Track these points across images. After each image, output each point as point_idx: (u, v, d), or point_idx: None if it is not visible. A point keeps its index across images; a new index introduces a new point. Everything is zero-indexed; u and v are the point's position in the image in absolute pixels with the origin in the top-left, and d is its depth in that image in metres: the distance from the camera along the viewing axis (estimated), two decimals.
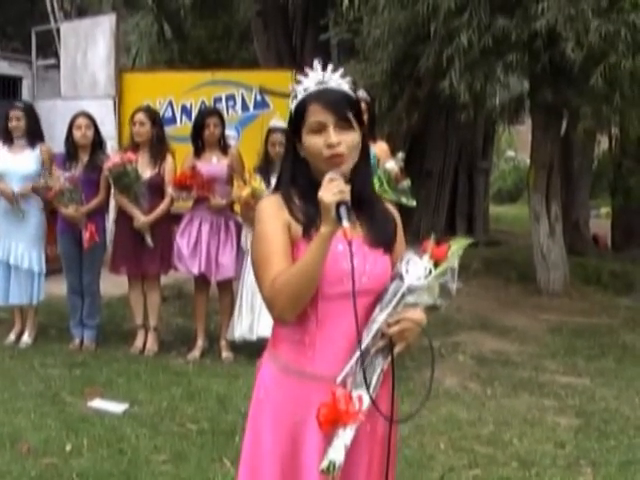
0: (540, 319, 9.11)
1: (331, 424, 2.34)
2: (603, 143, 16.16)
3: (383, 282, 2.46)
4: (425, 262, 2.45)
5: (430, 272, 2.44)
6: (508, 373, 7.03)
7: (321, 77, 2.46)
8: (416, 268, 2.44)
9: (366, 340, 2.38)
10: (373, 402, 2.38)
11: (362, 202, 2.47)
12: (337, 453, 2.35)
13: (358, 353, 2.38)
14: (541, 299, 10.03)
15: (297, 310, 2.38)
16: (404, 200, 6.63)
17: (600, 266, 11.85)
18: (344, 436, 2.35)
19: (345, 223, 2.23)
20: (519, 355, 7.65)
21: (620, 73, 8.15)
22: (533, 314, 9.32)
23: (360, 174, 2.48)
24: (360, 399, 2.37)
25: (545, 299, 10.03)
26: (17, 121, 7.28)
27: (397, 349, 2.42)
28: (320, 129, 2.40)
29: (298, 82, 2.49)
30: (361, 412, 2.35)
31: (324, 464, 2.35)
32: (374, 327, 2.40)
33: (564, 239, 10.60)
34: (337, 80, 2.47)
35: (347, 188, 2.28)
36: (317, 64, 2.46)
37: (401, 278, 2.43)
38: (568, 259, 10.57)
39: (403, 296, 2.42)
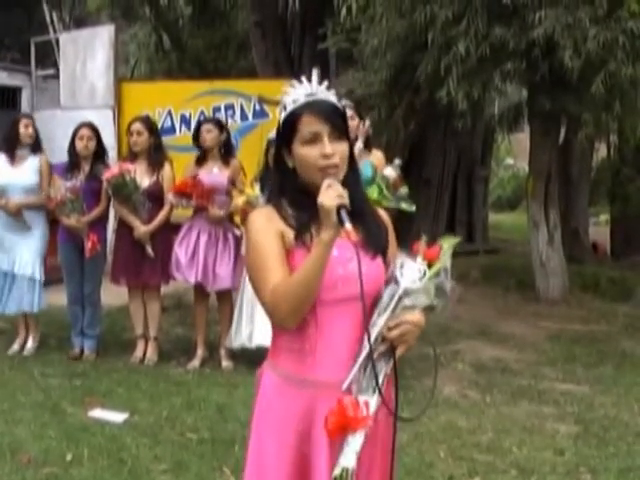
0: (539, 326, 9.11)
1: (340, 431, 2.34)
2: (601, 151, 16.19)
3: (377, 286, 2.46)
4: (419, 264, 2.45)
5: (424, 274, 2.45)
6: (507, 381, 7.03)
7: (310, 89, 2.47)
8: (411, 271, 2.44)
9: (368, 345, 2.38)
10: (385, 404, 2.41)
11: (354, 209, 2.45)
12: (348, 460, 2.35)
13: (361, 359, 2.38)
14: (540, 307, 10.03)
15: (299, 317, 2.40)
16: (404, 205, 6.65)
17: (599, 273, 11.85)
18: (354, 442, 2.35)
19: (348, 225, 2.25)
20: (518, 363, 7.65)
21: (620, 81, 8.16)
22: (532, 322, 9.32)
23: (350, 182, 2.48)
24: (367, 404, 2.37)
25: (544, 306, 10.03)
26: (29, 129, 7.32)
27: (399, 352, 2.43)
28: (314, 140, 2.41)
29: (286, 94, 2.50)
30: (369, 417, 2.35)
31: (337, 472, 2.35)
32: (374, 332, 2.39)
33: (563, 246, 10.60)
34: (324, 92, 2.49)
35: (345, 193, 2.31)
36: (315, 73, 2.49)
37: (396, 282, 2.44)
38: (567, 266, 10.57)
39: (400, 299, 2.42)
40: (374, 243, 2.51)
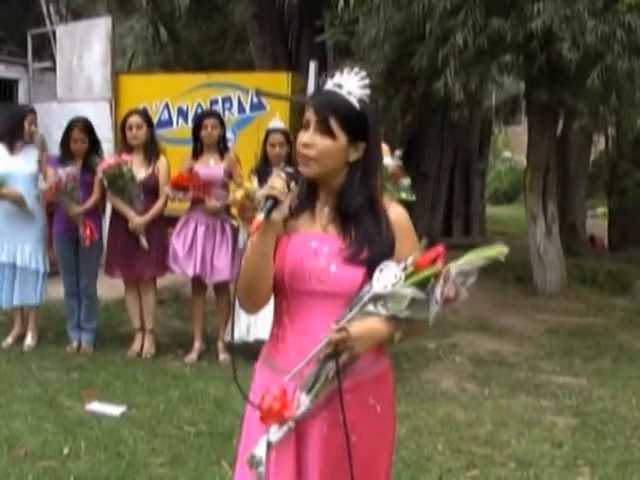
0: (537, 320, 9.11)
1: (266, 420, 2.38)
2: (599, 144, 16.19)
3: (353, 286, 2.40)
4: (397, 269, 2.35)
5: (400, 280, 2.34)
6: (505, 374, 7.04)
7: (337, 80, 2.46)
8: (388, 275, 2.35)
9: (321, 343, 2.34)
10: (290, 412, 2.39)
11: (348, 217, 2.46)
12: (258, 448, 2.38)
13: (310, 355, 2.37)
14: (538, 300, 10.03)
15: (251, 302, 2.49)
16: (404, 195, 6.64)
17: (596, 266, 11.86)
18: (271, 433, 2.37)
19: (260, 217, 2.28)
20: (516, 356, 7.66)
21: (616, 74, 8.16)
22: (530, 315, 9.32)
23: (347, 188, 2.47)
24: (299, 401, 2.37)
25: (542, 300, 10.02)
26: (32, 126, 7.35)
27: (342, 358, 2.34)
28: (305, 126, 2.44)
29: (325, 80, 2.51)
30: (285, 413, 2.35)
31: (247, 456, 2.41)
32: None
33: (560, 240, 10.59)
34: (350, 84, 2.44)
35: (281, 186, 2.31)
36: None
37: (371, 284, 2.37)
38: (565, 260, 10.56)
39: (365, 304, 2.36)
40: (358, 255, 2.42)
